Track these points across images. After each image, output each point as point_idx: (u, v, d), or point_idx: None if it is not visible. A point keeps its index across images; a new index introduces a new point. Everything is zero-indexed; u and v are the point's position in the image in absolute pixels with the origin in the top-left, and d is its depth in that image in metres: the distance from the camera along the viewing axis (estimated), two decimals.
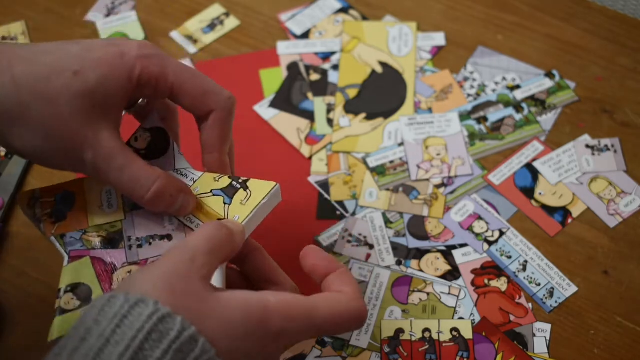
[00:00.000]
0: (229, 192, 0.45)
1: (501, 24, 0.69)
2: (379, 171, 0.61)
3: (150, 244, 0.45)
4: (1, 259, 0.57)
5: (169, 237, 0.45)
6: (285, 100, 0.65)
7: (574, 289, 0.55)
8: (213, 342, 0.35)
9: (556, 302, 0.55)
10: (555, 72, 0.66)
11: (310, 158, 0.62)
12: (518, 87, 0.65)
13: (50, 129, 0.39)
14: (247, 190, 0.44)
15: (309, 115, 0.64)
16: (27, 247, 0.58)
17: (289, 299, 0.38)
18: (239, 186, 0.45)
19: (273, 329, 0.37)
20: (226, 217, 0.44)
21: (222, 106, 0.44)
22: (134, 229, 0.45)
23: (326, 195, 0.60)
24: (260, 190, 0.44)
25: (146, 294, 0.34)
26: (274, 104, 0.65)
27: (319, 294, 0.40)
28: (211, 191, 0.45)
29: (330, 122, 0.64)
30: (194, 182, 0.46)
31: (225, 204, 0.44)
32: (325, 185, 0.61)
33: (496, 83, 0.66)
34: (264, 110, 0.65)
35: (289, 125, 0.64)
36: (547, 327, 0.54)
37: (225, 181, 0.45)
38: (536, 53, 0.67)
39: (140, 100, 0.47)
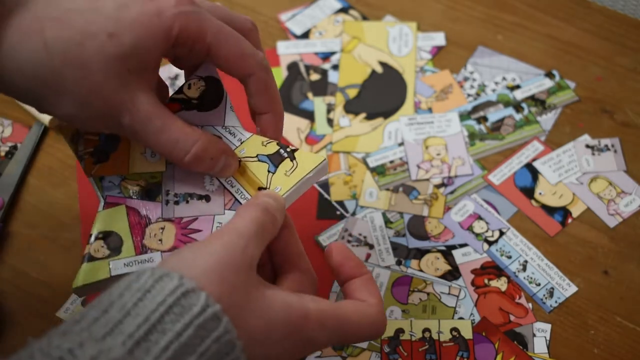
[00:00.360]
0: (275, 160, 0.43)
1: (501, 24, 0.69)
2: (379, 171, 0.61)
3: (187, 202, 0.43)
4: (1, 259, 0.57)
5: (207, 198, 0.43)
6: (285, 100, 0.65)
7: (574, 289, 0.55)
8: (251, 339, 0.35)
9: (556, 302, 0.55)
10: (555, 72, 0.66)
11: None
12: (518, 87, 0.65)
13: (84, 96, 0.39)
14: (294, 161, 0.43)
15: (309, 115, 0.64)
16: (27, 247, 0.58)
17: (325, 308, 0.38)
18: (286, 155, 0.43)
19: (307, 335, 0.37)
20: (268, 186, 0.42)
21: (258, 68, 0.43)
22: (174, 184, 0.44)
23: (326, 195, 0.60)
24: (308, 162, 0.42)
25: (196, 279, 0.34)
26: None
27: (347, 302, 0.40)
28: (257, 156, 0.44)
29: (330, 122, 0.64)
30: (241, 143, 0.44)
31: (269, 172, 0.43)
32: (325, 185, 0.61)
33: (496, 83, 0.66)
34: None
35: (289, 125, 0.64)
36: (547, 327, 0.54)
37: (272, 147, 0.44)
38: (536, 53, 0.67)
39: None
